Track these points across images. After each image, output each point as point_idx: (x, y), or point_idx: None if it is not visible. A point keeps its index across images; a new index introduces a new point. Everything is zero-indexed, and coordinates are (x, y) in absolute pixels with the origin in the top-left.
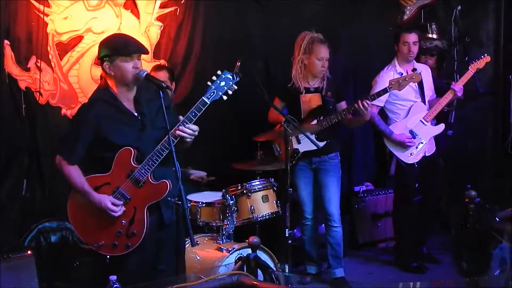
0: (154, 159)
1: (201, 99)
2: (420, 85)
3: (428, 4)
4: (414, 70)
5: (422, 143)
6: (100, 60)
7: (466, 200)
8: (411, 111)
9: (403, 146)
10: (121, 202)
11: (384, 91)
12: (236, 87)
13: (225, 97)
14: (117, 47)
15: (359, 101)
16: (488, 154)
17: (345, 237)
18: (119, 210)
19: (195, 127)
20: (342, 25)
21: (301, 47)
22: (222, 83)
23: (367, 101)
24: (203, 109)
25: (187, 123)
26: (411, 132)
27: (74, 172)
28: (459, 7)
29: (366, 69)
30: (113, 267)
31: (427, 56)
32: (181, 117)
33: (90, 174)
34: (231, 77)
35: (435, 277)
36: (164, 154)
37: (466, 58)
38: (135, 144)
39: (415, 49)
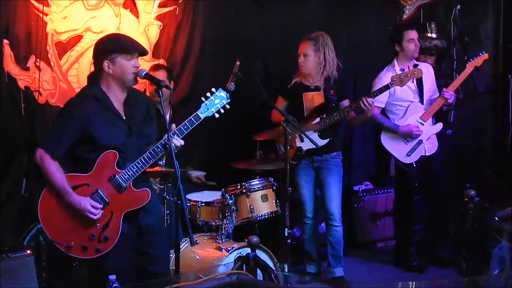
0: (139, 166)
1: (195, 113)
2: (419, 84)
3: (427, 3)
4: (415, 66)
5: (420, 142)
6: (97, 57)
7: (465, 199)
8: (408, 111)
9: (411, 137)
10: (101, 205)
11: (386, 87)
12: (228, 107)
13: (217, 115)
14: (121, 45)
15: (363, 98)
16: (487, 154)
17: (344, 237)
18: (98, 213)
19: (182, 142)
20: (341, 24)
21: None
22: (217, 101)
23: (370, 98)
24: (196, 123)
25: (178, 136)
26: None
27: (56, 169)
28: (459, 7)
29: (366, 69)
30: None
31: (426, 56)
32: (174, 126)
33: (68, 173)
34: (225, 95)
35: (435, 277)
36: (151, 163)
37: (466, 58)
38: (121, 148)
39: (417, 44)
